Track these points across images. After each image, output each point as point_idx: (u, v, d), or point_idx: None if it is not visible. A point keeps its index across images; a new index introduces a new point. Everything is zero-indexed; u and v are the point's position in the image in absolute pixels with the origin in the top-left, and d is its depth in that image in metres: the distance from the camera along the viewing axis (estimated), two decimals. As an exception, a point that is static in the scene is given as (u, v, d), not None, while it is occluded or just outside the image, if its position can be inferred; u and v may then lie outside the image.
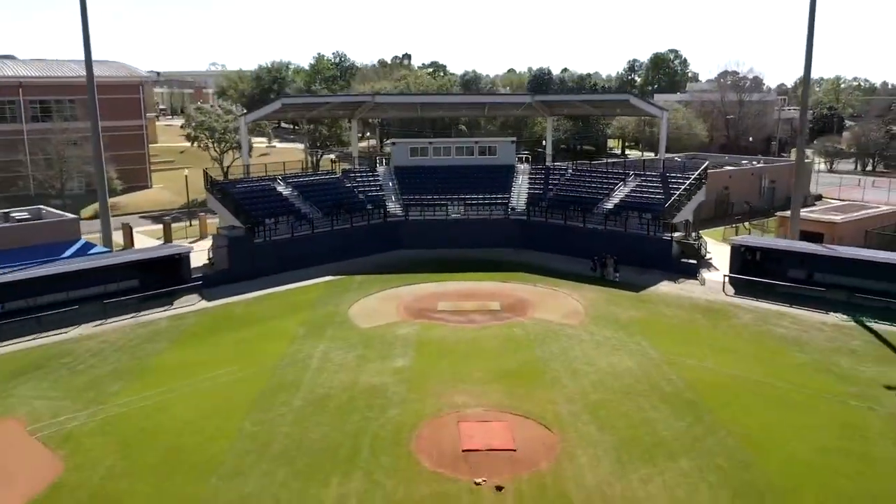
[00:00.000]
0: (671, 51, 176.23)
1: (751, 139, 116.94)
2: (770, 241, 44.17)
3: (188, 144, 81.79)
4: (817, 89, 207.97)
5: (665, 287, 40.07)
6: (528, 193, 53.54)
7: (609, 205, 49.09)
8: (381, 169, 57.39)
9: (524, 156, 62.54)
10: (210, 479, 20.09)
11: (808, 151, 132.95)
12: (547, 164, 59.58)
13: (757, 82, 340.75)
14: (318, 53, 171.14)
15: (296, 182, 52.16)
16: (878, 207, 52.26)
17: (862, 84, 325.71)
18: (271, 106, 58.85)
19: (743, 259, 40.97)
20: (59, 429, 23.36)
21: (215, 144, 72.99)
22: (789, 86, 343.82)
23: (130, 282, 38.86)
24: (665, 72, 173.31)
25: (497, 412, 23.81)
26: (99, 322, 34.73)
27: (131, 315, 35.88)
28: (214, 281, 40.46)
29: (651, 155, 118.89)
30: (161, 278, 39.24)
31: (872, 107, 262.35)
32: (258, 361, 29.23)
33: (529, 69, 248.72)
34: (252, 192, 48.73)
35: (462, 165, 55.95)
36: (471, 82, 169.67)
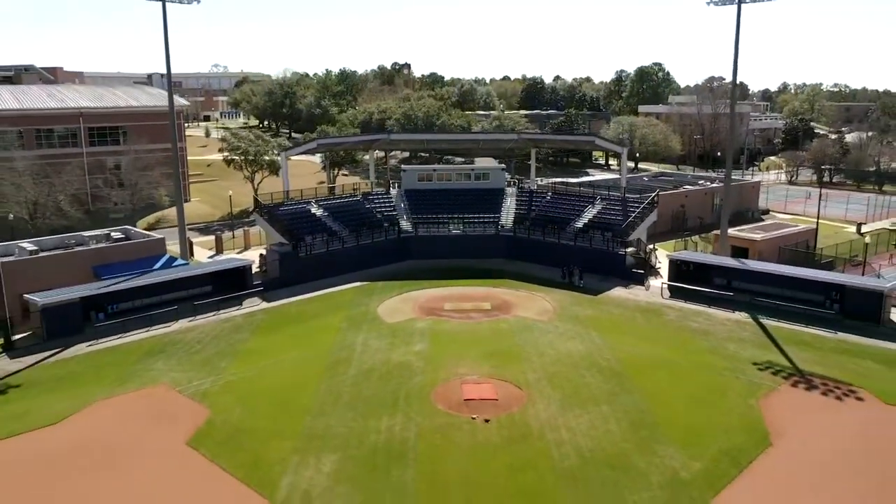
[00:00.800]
0: (655, 64, 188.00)
1: (718, 154, 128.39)
2: (699, 255, 56.12)
3: (213, 157, 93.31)
4: (795, 102, 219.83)
5: (617, 291, 52.09)
6: (515, 213, 65.38)
7: (579, 224, 61.04)
8: (393, 191, 69.21)
9: (513, 179, 74.48)
10: (305, 418, 31.90)
11: (780, 160, 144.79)
12: (531, 187, 71.12)
13: (742, 88, 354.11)
14: (326, 69, 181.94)
15: (326, 204, 63.98)
16: (796, 227, 64.23)
17: (842, 90, 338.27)
18: (308, 145, 70.80)
19: (678, 269, 52.95)
20: (196, 390, 35.19)
21: (247, 166, 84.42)
22: (774, 89, 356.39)
23: (206, 287, 50.76)
24: (649, 84, 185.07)
25: (486, 378, 35.68)
26: (191, 318, 46.54)
27: (213, 313, 47.70)
28: (270, 286, 52.33)
29: (631, 164, 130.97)
30: (229, 284, 51.07)
31: (852, 113, 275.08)
32: (318, 346, 41.08)
33: (523, 76, 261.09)
34: (293, 214, 60.49)
35: (461, 189, 67.80)
36: (467, 94, 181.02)
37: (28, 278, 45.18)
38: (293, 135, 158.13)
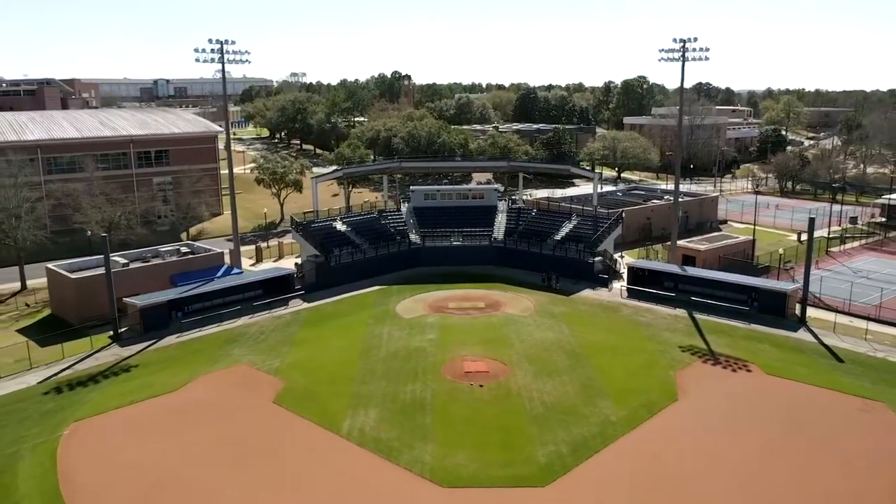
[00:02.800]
0: (639, 77, 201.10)
1: (692, 166, 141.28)
2: (651, 263, 69.23)
3: (236, 171, 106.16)
4: (772, 111, 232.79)
5: (586, 293, 65.25)
6: (505, 227, 78.40)
7: (557, 237, 74.14)
8: (403, 209, 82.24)
9: (507, 190, 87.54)
10: (352, 385, 44.88)
11: (754, 167, 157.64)
12: (519, 205, 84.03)
13: (729, 93, 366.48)
14: (334, 88, 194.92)
15: (349, 220, 76.99)
16: (736, 238, 77.37)
17: (822, 94, 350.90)
18: (335, 172, 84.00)
19: (636, 275, 66.01)
20: (269, 367, 48.20)
21: (275, 184, 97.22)
22: (763, 88, 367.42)
23: (258, 291, 63.72)
24: (634, 96, 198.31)
25: (481, 357, 48.70)
26: (250, 316, 59.56)
27: (266, 312, 60.72)
28: (309, 290, 65.32)
29: (614, 174, 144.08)
30: (276, 289, 64.05)
31: (831, 118, 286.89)
32: (352, 336, 54.10)
33: (518, 86, 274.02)
34: (322, 230, 73.40)
35: (460, 206, 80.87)
36: (464, 107, 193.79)
37: (124, 285, 58.08)
38: (304, 146, 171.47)
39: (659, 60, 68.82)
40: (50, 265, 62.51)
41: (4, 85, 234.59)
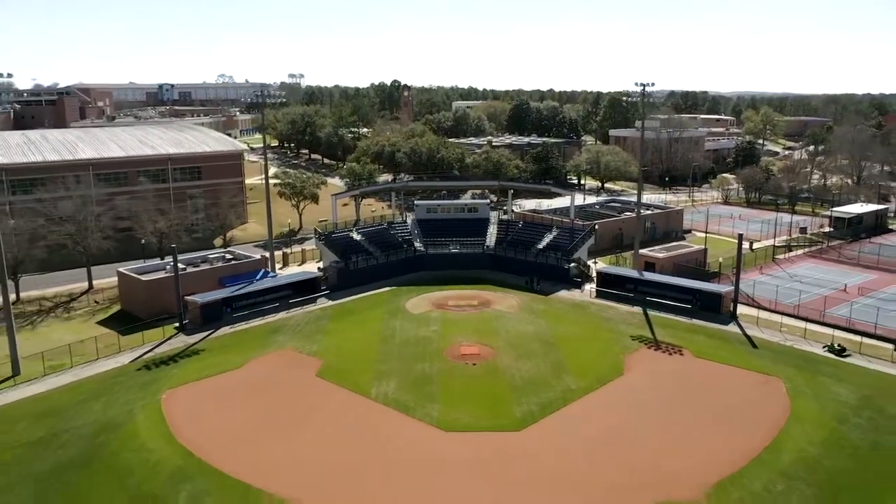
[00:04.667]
0: (623, 93, 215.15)
1: (667, 178, 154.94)
2: (616, 269, 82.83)
3: (253, 181, 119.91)
4: (751, 122, 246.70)
5: (562, 293, 78.83)
6: (496, 237, 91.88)
7: (540, 245, 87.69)
8: (409, 220, 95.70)
9: (499, 201, 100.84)
10: (374, 364, 58.29)
11: (730, 177, 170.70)
12: (508, 218, 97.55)
13: (715, 103, 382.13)
14: (340, 102, 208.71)
15: (362, 231, 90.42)
16: (691, 247, 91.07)
17: (807, 99, 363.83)
18: (353, 191, 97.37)
19: (604, 278, 79.54)
20: (309, 350, 61.63)
21: (294, 197, 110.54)
22: (755, 91, 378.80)
23: (290, 291, 77.05)
24: (619, 110, 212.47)
25: (474, 343, 62.19)
26: (287, 311, 72.97)
27: (299, 308, 74.12)
28: (332, 290, 78.72)
29: (598, 184, 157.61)
30: (305, 289, 77.40)
31: (809, 127, 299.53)
32: (371, 328, 67.52)
33: (511, 97, 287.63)
34: (341, 240, 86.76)
35: (457, 218, 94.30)
36: (461, 119, 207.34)
37: (184, 285, 71.28)
38: (312, 156, 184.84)
39: (633, 88, 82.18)
40: (121, 269, 75.85)
41: (26, 95, 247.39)
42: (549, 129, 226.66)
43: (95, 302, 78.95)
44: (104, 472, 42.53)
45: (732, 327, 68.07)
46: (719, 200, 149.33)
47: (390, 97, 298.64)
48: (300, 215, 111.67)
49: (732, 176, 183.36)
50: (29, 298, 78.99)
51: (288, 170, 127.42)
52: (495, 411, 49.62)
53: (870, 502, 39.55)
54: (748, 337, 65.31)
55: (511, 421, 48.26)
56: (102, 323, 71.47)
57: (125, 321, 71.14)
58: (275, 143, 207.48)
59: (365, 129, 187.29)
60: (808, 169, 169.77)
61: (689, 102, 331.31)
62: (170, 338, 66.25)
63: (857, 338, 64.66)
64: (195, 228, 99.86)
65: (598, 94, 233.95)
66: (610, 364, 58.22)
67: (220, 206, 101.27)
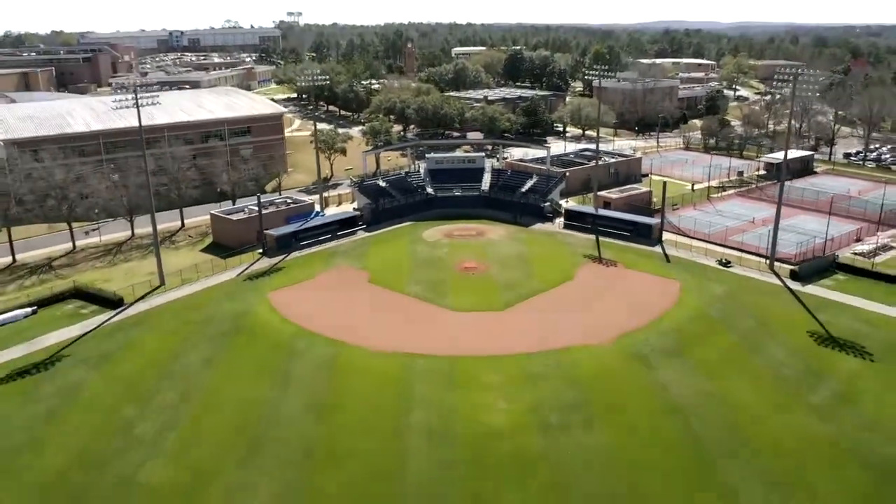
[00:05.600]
0: (606, 46, 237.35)
1: (636, 127, 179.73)
2: (580, 206, 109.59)
3: (287, 135, 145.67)
4: (725, 69, 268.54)
5: (538, 226, 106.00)
6: (490, 182, 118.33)
7: (523, 189, 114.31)
8: (421, 169, 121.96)
9: (494, 155, 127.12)
10: (406, 274, 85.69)
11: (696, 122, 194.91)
12: (499, 168, 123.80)
13: (700, 46, 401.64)
14: (353, 59, 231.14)
15: (386, 179, 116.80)
16: (640, 189, 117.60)
17: (781, 45, 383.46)
18: (378, 149, 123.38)
19: (569, 214, 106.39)
20: (359, 266, 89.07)
21: (326, 150, 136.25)
22: (753, 21, 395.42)
23: (336, 226, 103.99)
24: (603, 62, 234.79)
25: (473, 260, 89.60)
26: (336, 241, 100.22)
27: (344, 239, 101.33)
28: (367, 225, 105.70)
29: (579, 132, 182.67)
30: (347, 224, 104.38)
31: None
32: (400, 251, 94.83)
33: (510, 42, 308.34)
34: (371, 187, 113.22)
35: (460, 168, 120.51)
36: (461, 72, 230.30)
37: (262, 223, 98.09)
38: (329, 108, 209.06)
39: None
40: (213, 212, 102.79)
41: (62, 52, 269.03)
42: (541, 78, 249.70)
43: (189, 237, 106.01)
44: (249, 335, 70.46)
45: (657, 248, 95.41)
46: (681, 147, 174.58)
47: (394, 45, 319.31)
48: (331, 165, 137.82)
49: (700, 122, 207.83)
50: (140, 235, 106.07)
51: (321, 126, 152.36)
52: (487, 300, 77.38)
53: (702, 343, 67.38)
54: (666, 255, 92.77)
55: (497, 305, 76.04)
56: (203, 251, 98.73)
57: (219, 250, 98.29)
58: (293, 95, 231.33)
59: (375, 84, 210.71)
60: (766, 116, 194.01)
61: (674, 46, 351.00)
62: (257, 260, 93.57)
63: (743, 255, 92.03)
64: (256, 178, 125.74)
65: (586, 47, 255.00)
66: (565, 272, 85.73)
67: (269, 159, 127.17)
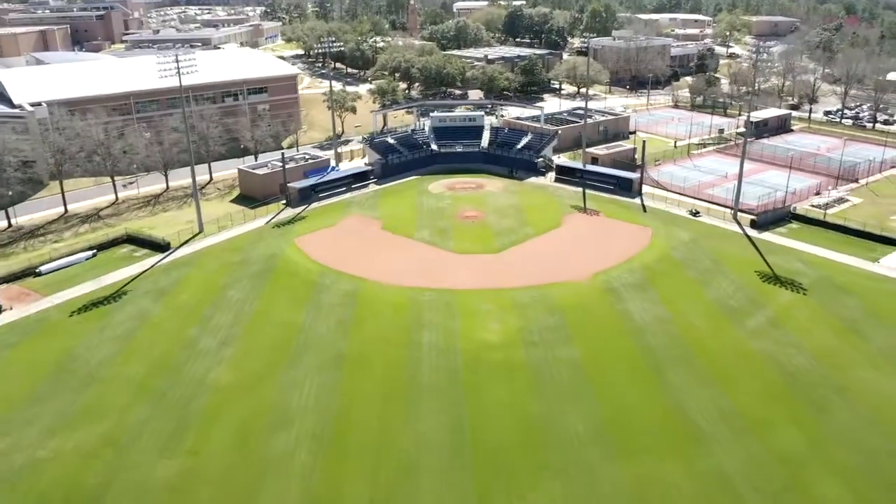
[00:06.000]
0: (603, 4, 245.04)
1: (627, 86, 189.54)
2: (569, 162, 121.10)
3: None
4: (718, 27, 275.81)
5: (532, 179, 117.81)
6: (489, 139, 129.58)
7: (519, 146, 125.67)
8: (426, 127, 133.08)
9: (490, 113, 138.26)
10: (414, 222, 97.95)
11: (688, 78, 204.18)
12: (497, 126, 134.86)
13: (696, 3, 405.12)
14: (358, 17, 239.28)
15: (395, 136, 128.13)
16: (625, 146, 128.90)
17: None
18: (387, 109, 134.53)
19: (560, 169, 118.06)
20: (372, 216, 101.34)
21: (338, 108, 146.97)
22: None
23: (350, 179, 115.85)
24: (600, 20, 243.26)
25: (473, 210, 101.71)
26: (351, 193, 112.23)
27: (357, 191, 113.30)
28: (378, 178, 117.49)
29: (574, 89, 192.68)
30: (360, 178, 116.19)
31: (779, 28, 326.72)
32: (407, 202, 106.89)
33: (508, 3, 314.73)
34: (380, 143, 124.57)
35: (462, 126, 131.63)
36: (461, 30, 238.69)
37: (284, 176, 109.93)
38: (337, 65, 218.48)
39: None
40: (240, 166, 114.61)
41: (75, 10, 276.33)
42: (540, 35, 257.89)
43: (218, 189, 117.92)
44: (281, 273, 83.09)
45: (636, 200, 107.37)
46: (671, 105, 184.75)
47: (397, 1, 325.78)
48: (342, 122, 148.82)
49: (691, 79, 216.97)
50: (174, 188, 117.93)
51: (332, 84, 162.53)
52: (484, 244, 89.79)
53: (664, 279, 79.93)
54: (644, 206, 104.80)
55: (493, 248, 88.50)
56: (233, 202, 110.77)
57: (247, 201, 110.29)
58: (301, 52, 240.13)
59: (380, 42, 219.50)
60: (752, 74, 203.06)
61: (673, 2, 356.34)
62: (281, 210, 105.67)
63: (712, 206, 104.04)
64: (275, 135, 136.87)
65: (584, 4, 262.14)
66: (553, 220, 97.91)
67: (287, 117, 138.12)
